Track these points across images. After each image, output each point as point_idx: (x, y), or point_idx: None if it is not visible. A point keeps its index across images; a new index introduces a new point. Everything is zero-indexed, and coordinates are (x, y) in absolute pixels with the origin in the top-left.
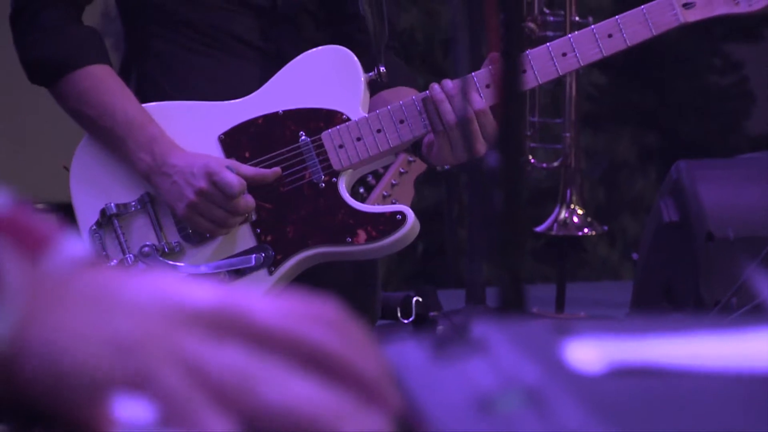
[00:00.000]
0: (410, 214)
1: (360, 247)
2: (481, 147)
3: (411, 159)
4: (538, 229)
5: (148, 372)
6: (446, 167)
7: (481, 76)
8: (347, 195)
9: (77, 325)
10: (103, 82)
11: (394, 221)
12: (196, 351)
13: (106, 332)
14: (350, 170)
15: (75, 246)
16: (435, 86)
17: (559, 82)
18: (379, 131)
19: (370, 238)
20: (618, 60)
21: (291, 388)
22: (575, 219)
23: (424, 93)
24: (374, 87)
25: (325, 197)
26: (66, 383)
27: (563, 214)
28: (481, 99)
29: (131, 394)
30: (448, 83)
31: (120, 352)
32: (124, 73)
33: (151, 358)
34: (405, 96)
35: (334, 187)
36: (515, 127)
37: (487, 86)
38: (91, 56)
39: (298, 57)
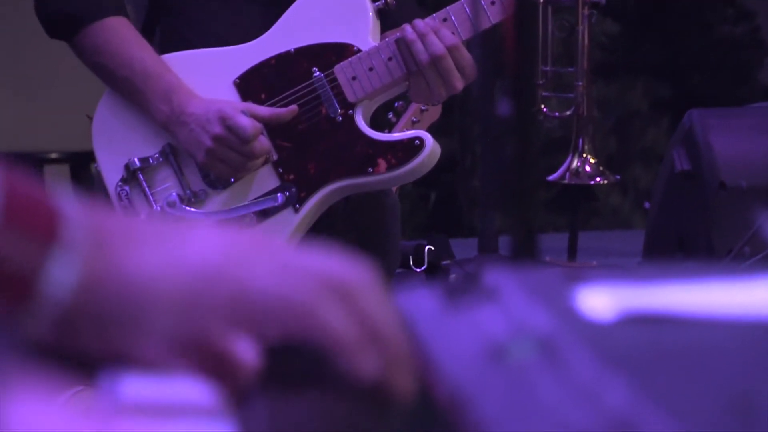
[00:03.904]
0: (428, 139)
1: (381, 176)
2: (458, 83)
3: (423, 108)
4: (551, 178)
5: (246, 287)
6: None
7: None
8: (365, 126)
9: (158, 260)
10: (121, 34)
11: (412, 147)
12: (290, 258)
13: (190, 262)
14: (366, 101)
15: (73, 203)
16: (407, 26)
17: (572, 31)
18: (390, 59)
19: (391, 166)
20: (631, 9)
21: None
22: (587, 168)
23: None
24: (384, 16)
25: (343, 130)
26: (149, 319)
27: (575, 163)
28: (453, 35)
29: (225, 318)
30: (419, 23)
31: (210, 274)
32: (148, 28)
33: (244, 273)
34: None
35: (350, 119)
36: (527, 76)
37: (492, 3)
38: (108, 9)
39: None
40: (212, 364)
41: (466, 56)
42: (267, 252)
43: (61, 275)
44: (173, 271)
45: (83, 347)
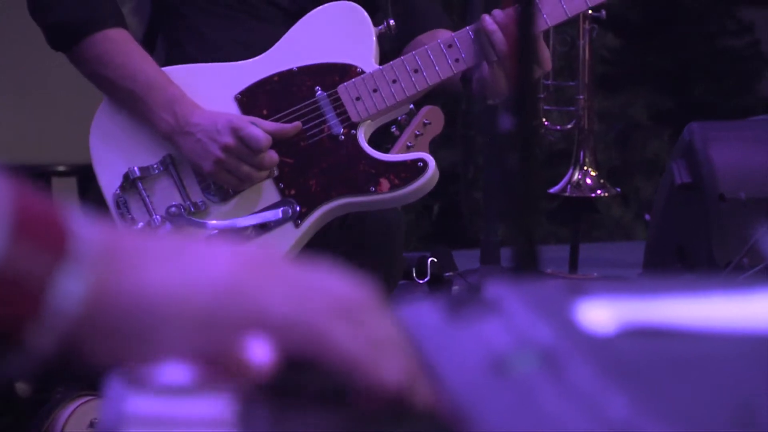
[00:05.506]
0: (431, 161)
1: (383, 195)
2: (536, 72)
3: (426, 122)
4: (552, 190)
5: (258, 310)
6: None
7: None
8: (367, 145)
9: (170, 279)
10: (122, 45)
11: (415, 168)
12: (298, 279)
13: (203, 282)
14: (369, 121)
15: (84, 218)
16: (486, 17)
17: (573, 45)
18: (394, 81)
19: (393, 186)
20: (632, 23)
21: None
22: (588, 181)
23: (445, 37)
24: (384, 40)
25: (346, 149)
26: (162, 337)
27: (577, 176)
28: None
29: (237, 334)
30: (499, 13)
31: (221, 293)
32: (150, 39)
33: (256, 295)
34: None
35: (353, 138)
36: (530, 89)
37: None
38: (108, 20)
39: (309, 14)
40: (226, 368)
41: (543, 47)
42: (277, 272)
43: (70, 289)
44: (186, 291)
45: (88, 361)
